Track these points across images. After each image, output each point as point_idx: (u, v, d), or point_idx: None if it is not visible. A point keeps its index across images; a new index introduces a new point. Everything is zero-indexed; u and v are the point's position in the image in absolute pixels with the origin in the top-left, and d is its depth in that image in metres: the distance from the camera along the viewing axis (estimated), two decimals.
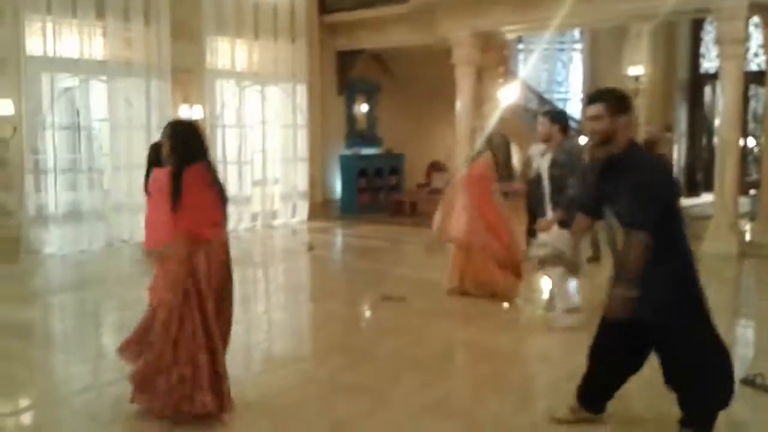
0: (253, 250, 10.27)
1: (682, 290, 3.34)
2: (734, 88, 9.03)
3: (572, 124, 15.09)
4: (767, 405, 4.12)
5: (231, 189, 11.02)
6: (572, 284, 5.84)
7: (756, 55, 13.86)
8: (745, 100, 11.98)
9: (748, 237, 9.87)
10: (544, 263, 4.97)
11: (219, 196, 3.75)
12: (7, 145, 8.95)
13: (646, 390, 4.00)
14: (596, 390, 3.72)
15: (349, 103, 14.15)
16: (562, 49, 17.33)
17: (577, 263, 5.00)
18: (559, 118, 5.71)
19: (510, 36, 12.77)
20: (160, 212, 3.65)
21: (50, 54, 9.17)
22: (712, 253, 8.35)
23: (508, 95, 12.75)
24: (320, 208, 13.19)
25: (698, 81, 15.95)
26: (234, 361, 4.12)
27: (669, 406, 3.55)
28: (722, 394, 3.42)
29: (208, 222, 3.67)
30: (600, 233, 8.40)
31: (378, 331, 5.94)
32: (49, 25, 9.14)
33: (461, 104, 11.27)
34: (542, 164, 5.59)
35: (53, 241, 9.37)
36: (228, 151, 11.31)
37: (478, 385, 4.63)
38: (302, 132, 12.68)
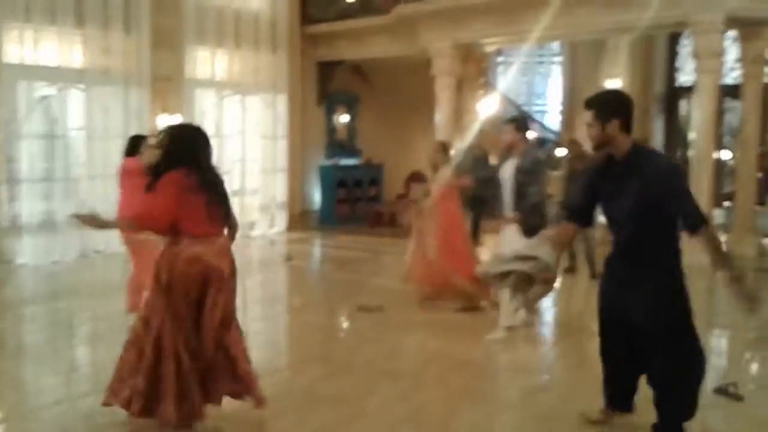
0: None
1: (675, 296, 3.38)
2: (710, 101, 9.16)
3: (551, 136, 15.30)
4: (740, 414, 4.16)
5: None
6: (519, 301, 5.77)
7: (731, 69, 14.06)
8: (720, 113, 12.13)
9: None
10: (525, 281, 3.87)
11: (207, 201, 3.66)
12: None
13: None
14: (616, 389, 3.71)
15: (329, 113, 14.14)
16: (541, 62, 17.47)
17: (555, 277, 5.02)
18: (524, 125, 5.86)
19: (490, 48, 12.87)
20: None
21: (28, 62, 9.08)
22: (687, 264, 8.39)
23: (487, 107, 12.82)
24: (299, 218, 13.15)
25: (674, 94, 16.14)
26: None
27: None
28: (696, 403, 3.45)
29: (152, 214, 3.62)
30: (577, 244, 8.48)
31: (355, 342, 5.92)
32: (28, 33, 9.05)
33: (441, 115, 11.31)
34: (506, 170, 5.67)
35: (26, 252, 9.24)
36: None
37: (453, 395, 4.64)
38: (282, 142, 12.64)
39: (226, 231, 3.85)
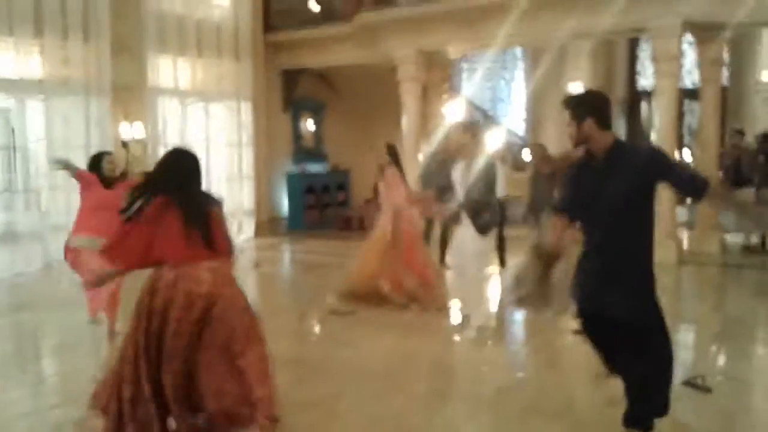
0: None
1: (652, 292, 3.42)
2: (670, 103, 9.34)
3: (516, 140, 15.44)
4: (708, 405, 4.23)
5: None
6: None
7: (690, 72, 14.38)
8: (680, 115, 12.38)
9: (685, 245, 10.19)
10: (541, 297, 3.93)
11: (185, 227, 3.51)
12: None
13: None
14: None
15: (295, 120, 14.09)
16: (504, 68, 17.66)
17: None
18: (472, 129, 6.20)
19: (454, 55, 12.95)
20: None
21: None
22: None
23: (453, 112, 12.90)
24: (267, 225, 13.06)
25: (635, 97, 16.48)
26: None
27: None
28: (669, 399, 3.49)
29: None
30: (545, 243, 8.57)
31: (327, 345, 5.88)
32: None
33: (407, 120, 11.34)
34: (456, 172, 5.96)
35: None
36: None
37: (428, 395, 4.63)
38: (247, 150, 12.56)
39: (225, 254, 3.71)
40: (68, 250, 5.83)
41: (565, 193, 3.75)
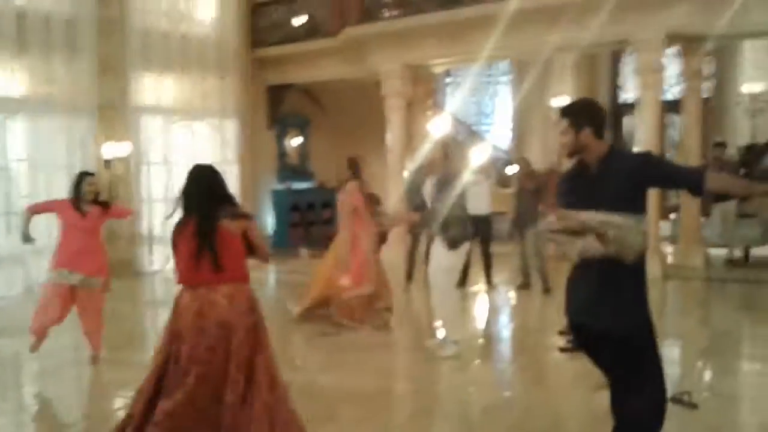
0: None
1: (645, 306, 3.40)
2: (652, 116, 9.43)
3: (501, 154, 15.49)
4: (695, 422, 4.22)
5: (157, 228, 10.76)
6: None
7: (671, 85, 14.51)
8: (663, 127, 12.46)
9: (669, 260, 10.22)
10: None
11: (198, 249, 3.58)
12: None
13: None
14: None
15: (280, 137, 14.07)
16: (489, 82, 17.74)
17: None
18: (447, 148, 6.38)
19: (438, 69, 13.00)
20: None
21: None
22: None
23: (437, 128, 12.90)
24: None
25: (618, 111, 16.60)
26: None
27: None
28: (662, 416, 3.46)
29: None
30: (530, 259, 8.57)
31: (312, 368, 5.82)
32: None
33: (392, 136, 11.36)
34: (426, 187, 6.15)
35: None
36: (154, 189, 11.02)
37: (416, 415, 4.60)
38: (233, 167, 12.49)
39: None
40: (60, 285, 5.75)
41: (563, 199, 3.72)
